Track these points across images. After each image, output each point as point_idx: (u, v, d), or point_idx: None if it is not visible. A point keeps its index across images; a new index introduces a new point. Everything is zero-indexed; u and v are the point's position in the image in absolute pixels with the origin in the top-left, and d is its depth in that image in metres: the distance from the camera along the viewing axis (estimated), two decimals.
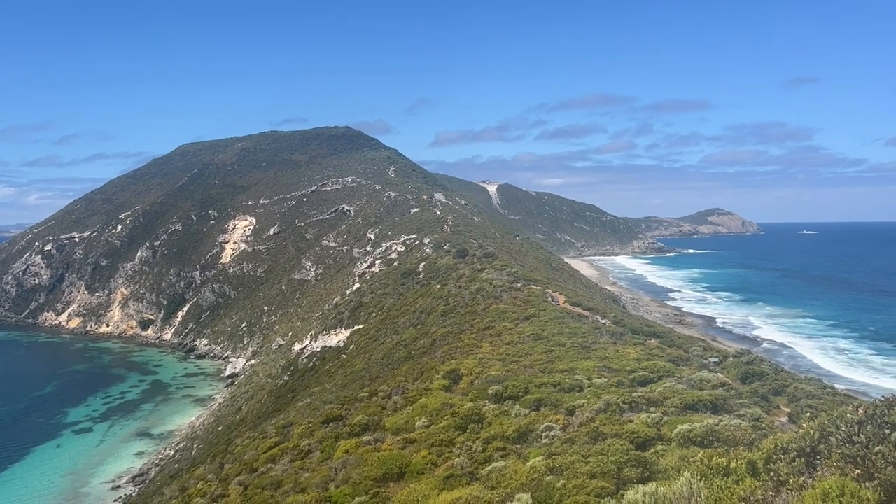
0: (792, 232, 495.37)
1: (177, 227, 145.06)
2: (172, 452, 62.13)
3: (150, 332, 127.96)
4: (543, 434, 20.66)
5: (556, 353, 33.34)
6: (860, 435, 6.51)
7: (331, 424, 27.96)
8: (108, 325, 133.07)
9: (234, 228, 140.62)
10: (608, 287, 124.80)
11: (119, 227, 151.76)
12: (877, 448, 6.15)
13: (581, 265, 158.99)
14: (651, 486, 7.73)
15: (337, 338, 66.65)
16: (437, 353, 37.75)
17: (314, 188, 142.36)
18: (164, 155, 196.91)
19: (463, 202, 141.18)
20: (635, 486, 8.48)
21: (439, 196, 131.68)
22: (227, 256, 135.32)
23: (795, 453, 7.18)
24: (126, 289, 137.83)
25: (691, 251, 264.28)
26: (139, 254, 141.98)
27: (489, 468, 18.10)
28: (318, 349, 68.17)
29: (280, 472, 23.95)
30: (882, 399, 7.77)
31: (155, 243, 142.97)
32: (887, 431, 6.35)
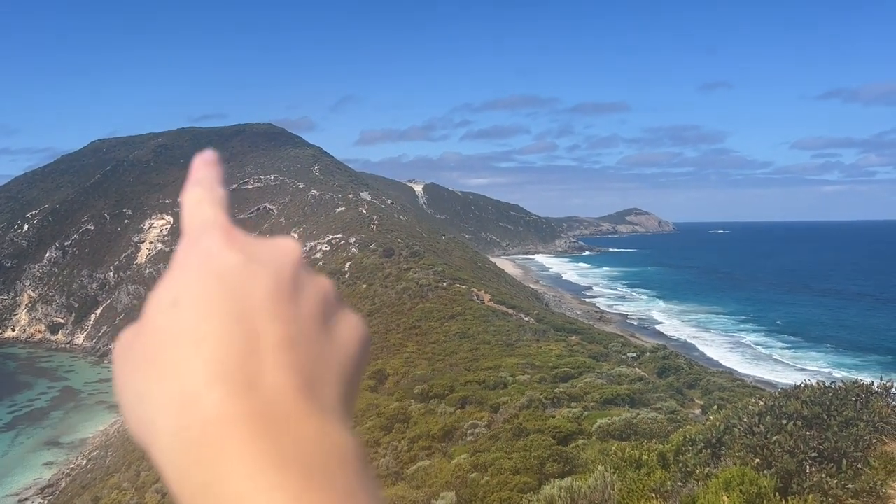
0: (705, 231, 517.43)
1: (89, 227, 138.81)
2: (85, 461, 59.49)
3: (60, 336, 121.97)
4: (468, 432, 20.93)
5: (481, 351, 33.79)
6: (760, 426, 6.92)
7: None
8: (13, 330, 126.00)
9: (150, 228, 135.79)
10: (532, 285, 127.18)
11: (26, 227, 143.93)
12: (774, 438, 6.56)
13: (506, 264, 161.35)
14: (567, 481, 7.99)
15: None
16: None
17: (235, 186, 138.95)
18: (74, 151, 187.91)
19: (389, 201, 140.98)
20: (554, 480, 8.73)
21: (365, 195, 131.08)
22: (142, 257, 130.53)
23: (702, 444, 7.57)
24: (33, 291, 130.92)
25: (611, 250, 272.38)
26: (48, 254, 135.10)
27: (414, 467, 18.20)
28: None
29: None
30: (780, 391, 8.28)
31: (65, 243, 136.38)
32: (784, 421, 6.78)
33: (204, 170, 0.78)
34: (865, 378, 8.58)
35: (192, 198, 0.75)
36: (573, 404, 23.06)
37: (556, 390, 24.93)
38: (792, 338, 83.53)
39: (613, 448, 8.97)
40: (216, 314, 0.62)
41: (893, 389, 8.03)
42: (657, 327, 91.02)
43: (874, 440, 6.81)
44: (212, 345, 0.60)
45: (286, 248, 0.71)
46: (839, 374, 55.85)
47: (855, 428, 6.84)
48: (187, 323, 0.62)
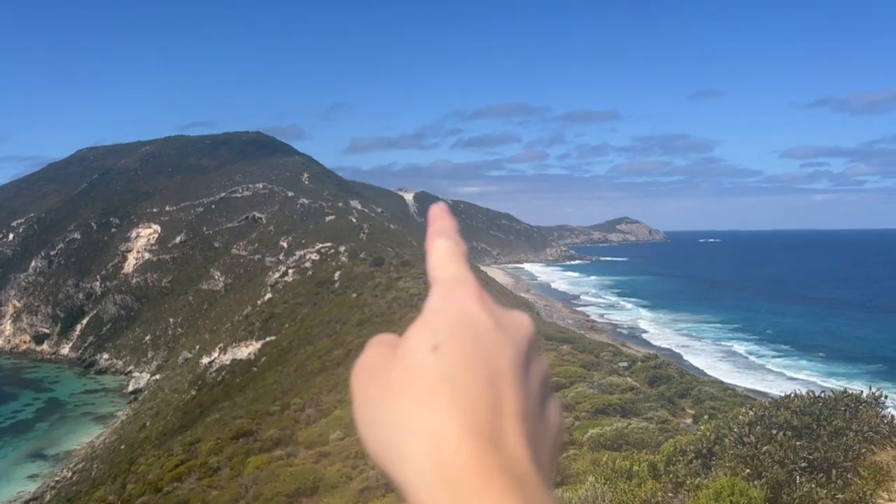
0: (695, 240, 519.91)
1: (75, 236, 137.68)
2: (70, 474, 58.77)
3: (45, 346, 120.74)
4: None
5: None
6: (750, 436, 6.87)
7: (241, 440, 27.16)
8: None
9: (137, 237, 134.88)
10: (522, 294, 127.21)
11: (11, 236, 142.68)
12: (764, 448, 6.50)
13: (496, 273, 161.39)
14: (557, 492, 7.89)
15: (247, 350, 64.94)
16: (353, 364, 37.33)
17: (223, 195, 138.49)
18: (61, 159, 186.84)
19: (379, 210, 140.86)
20: None
21: (355, 203, 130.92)
22: (129, 266, 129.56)
23: (693, 455, 7.51)
24: (19, 301, 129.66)
25: (602, 258, 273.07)
26: (33, 264, 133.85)
27: None
28: (228, 362, 66.21)
29: (187, 490, 23.05)
30: (770, 401, 8.24)
31: (51, 253, 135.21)
32: (774, 431, 6.73)
33: (445, 221, 0.83)
34: (855, 387, 8.56)
35: (439, 248, 0.80)
36: (564, 414, 22.94)
37: None
38: (783, 346, 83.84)
39: (604, 458, 8.90)
40: (472, 369, 0.67)
41: (882, 399, 8.01)
42: (647, 337, 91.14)
43: (863, 450, 6.77)
44: (468, 397, 0.65)
45: (523, 322, 0.76)
46: (829, 383, 56.08)
47: (844, 438, 6.80)
48: (445, 370, 0.67)
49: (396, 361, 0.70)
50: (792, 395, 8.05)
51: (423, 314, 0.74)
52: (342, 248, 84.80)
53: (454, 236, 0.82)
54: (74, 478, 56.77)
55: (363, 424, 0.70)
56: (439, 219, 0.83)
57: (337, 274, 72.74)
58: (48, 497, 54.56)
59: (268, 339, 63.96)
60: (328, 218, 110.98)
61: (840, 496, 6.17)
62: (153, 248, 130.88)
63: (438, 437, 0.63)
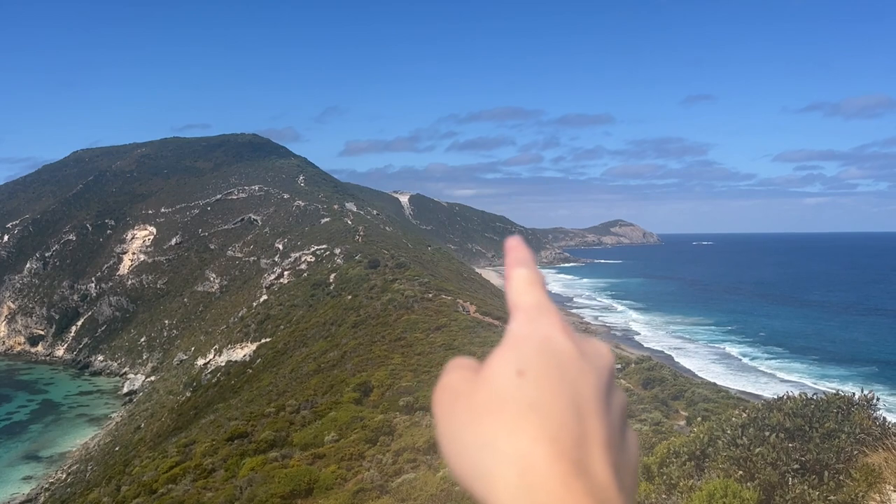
0: (689, 242, 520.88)
1: (70, 238, 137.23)
2: (64, 475, 58.57)
3: (40, 348, 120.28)
4: None
5: None
6: (743, 437, 6.94)
7: (236, 441, 27.14)
8: None
9: (132, 238, 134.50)
10: None
11: (5, 237, 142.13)
12: (757, 450, 6.57)
13: (491, 275, 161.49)
14: None
15: (243, 352, 64.83)
16: (348, 366, 37.39)
17: (219, 197, 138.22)
18: (56, 161, 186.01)
19: (375, 212, 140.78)
20: None
21: (350, 206, 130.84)
22: (125, 268, 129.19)
23: (686, 457, 7.57)
24: (13, 302, 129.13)
25: (596, 261, 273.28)
26: (28, 265, 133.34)
27: (399, 480, 18.06)
28: (223, 364, 66.09)
29: (182, 492, 23.03)
30: (763, 403, 8.31)
31: (46, 254, 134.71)
32: (767, 433, 6.80)
33: (521, 251, 0.85)
34: (847, 389, 8.64)
35: (519, 276, 0.82)
36: None
37: None
38: (776, 348, 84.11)
39: None
40: (558, 396, 0.69)
41: (874, 401, 8.09)
42: (641, 339, 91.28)
43: (855, 452, 6.84)
44: (555, 421, 0.67)
45: (604, 351, 0.79)
46: (822, 385, 56.31)
47: (837, 440, 6.88)
48: (532, 396, 0.69)
49: (481, 385, 0.71)
50: (784, 397, 8.12)
51: (507, 339, 0.75)
52: (338, 251, 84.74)
53: (532, 265, 0.84)
54: (69, 479, 56.56)
55: (448, 445, 0.71)
56: (516, 249, 0.86)
57: (332, 276, 72.69)
58: (42, 499, 54.32)
59: (263, 340, 63.86)
60: (324, 220, 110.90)
61: (832, 498, 6.24)
62: (149, 249, 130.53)
63: (527, 460, 0.65)
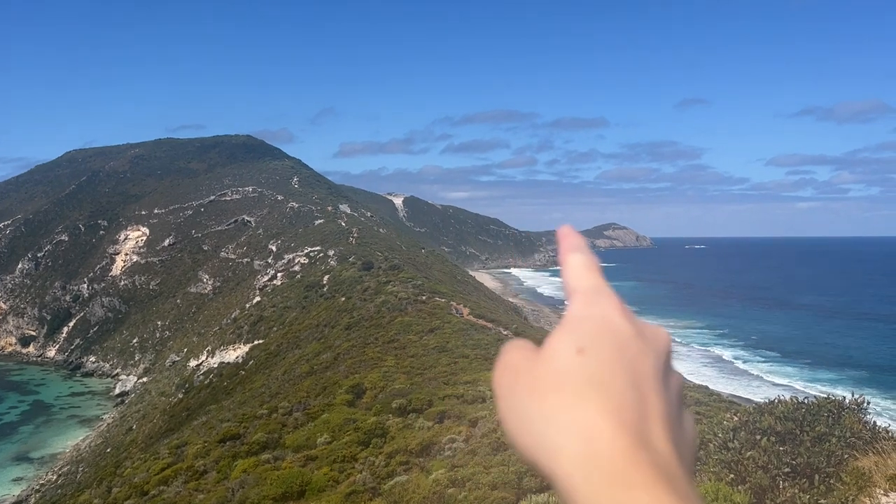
0: (682, 246, 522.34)
1: (63, 238, 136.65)
2: (55, 477, 58.27)
3: (31, 348, 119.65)
4: (446, 446, 20.81)
5: (459, 365, 33.68)
6: (734, 441, 6.97)
7: (228, 443, 27.07)
8: None
9: (125, 239, 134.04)
10: (510, 299, 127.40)
11: None
12: (748, 453, 6.61)
13: (485, 277, 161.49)
14: (544, 496, 7.98)
15: (235, 353, 64.67)
16: (341, 368, 37.34)
17: (212, 198, 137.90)
18: (49, 161, 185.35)
19: (369, 214, 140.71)
20: (531, 495, 8.71)
21: (344, 207, 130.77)
22: (117, 269, 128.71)
23: None
24: (5, 303, 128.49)
25: None
26: (20, 265, 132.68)
27: (392, 483, 18.05)
28: (216, 365, 65.90)
29: (173, 494, 22.95)
30: (754, 406, 8.35)
31: (38, 255, 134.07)
32: (758, 437, 6.83)
33: (574, 238, 0.88)
34: (838, 393, 8.69)
35: (575, 262, 0.84)
36: None
37: None
38: (768, 352, 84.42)
39: None
40: (618, 373, 0.72)
41: (865, 405, 8.14)
42: None
43: (846, 455, 6.89)
44: (616, 396, 0.70)
45: (662, 334, 0.82)
46: (813, 389, 56.51)
47: (827, 443, 6.92)
48: (593, 370, 0.71)
49: (541, 363, 0.73)
50: (776, 400, 8.16)
51: (565, 321, 0.77)
52: (331, 252, 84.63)
53: (587, 250, 0.86)
54: (60, 481, 56.26)
55: (511, 419, 0.72)
56: (570, 236, 0.88)
57: (326, 278, 72.59)
58: (33, 500, 54.02)
59: (256, 342, 63.72)
60: (317, 222, 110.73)
61: (822, 501, 6.27)
62: (141, 250, 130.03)
63: (591, 432, 0.67)
